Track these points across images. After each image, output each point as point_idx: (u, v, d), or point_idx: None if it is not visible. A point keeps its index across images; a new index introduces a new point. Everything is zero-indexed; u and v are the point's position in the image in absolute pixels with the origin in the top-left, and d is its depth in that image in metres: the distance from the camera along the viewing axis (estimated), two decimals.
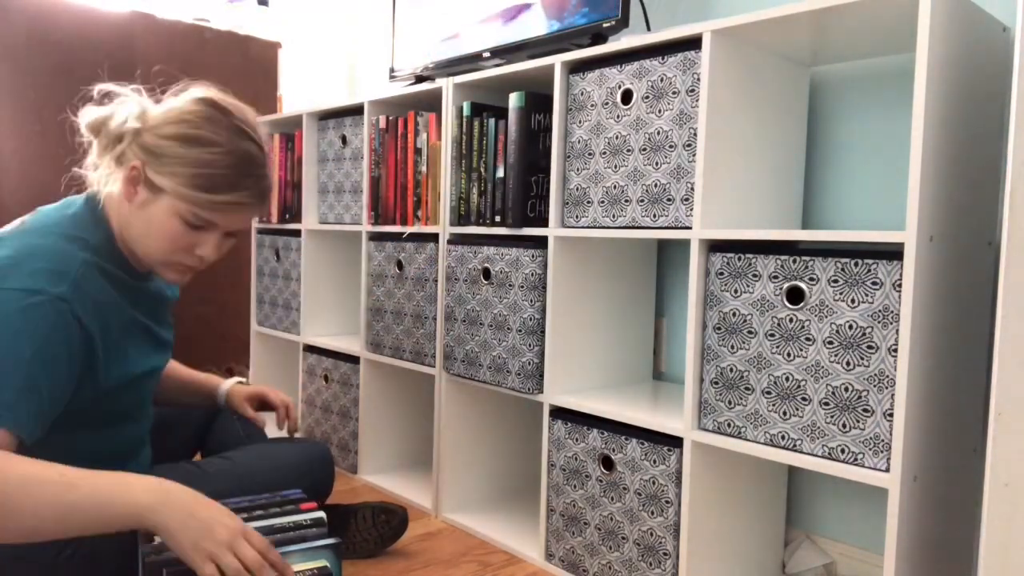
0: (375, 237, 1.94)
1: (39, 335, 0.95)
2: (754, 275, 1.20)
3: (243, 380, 1.52)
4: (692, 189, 1.28)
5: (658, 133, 1.32)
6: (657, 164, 1.33)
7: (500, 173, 1.60)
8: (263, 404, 1.50)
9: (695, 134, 1.27)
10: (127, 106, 1.10)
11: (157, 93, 1.14)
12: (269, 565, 0.93)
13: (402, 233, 1.86)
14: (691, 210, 1.28)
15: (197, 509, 0.91)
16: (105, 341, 1.06)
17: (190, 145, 1.05)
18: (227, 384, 1.48)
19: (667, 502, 1.31)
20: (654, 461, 1.33)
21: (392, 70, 2.04)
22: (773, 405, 1.18)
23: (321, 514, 1.12)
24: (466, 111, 1.66)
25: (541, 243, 1.52)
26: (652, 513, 1.33)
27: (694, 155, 1.27)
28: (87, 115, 1.11)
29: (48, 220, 1.09)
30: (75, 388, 1.02)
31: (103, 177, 1.12)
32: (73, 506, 0.86)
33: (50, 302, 0.97)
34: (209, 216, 1.07)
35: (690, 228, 1.28)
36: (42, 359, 0.95)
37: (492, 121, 1.61)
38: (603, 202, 1.41)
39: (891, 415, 1.06)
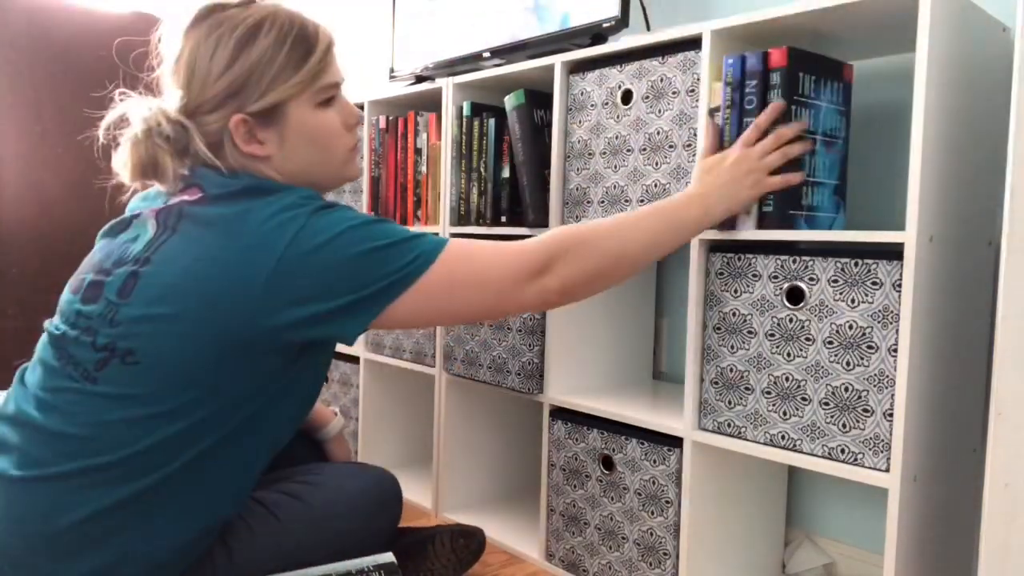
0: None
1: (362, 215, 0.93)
2: (754, 275, 1.20)
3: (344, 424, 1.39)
4: None
5: (658, 133, 1.32)
6: (657, 164, 1.33)
7: (505, 173, 1.60)
8: None
9: (695, 134, 1.27)
10: (143, 102, 0.96)
11: (148, 84, 1.01)
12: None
13: None
14: None
15: (722, 184, 1.10)
16: None
17: (251, 44, 0.94)
18: (335, 428, 1.37)
19: (667, 502, 1.31)
20: (654, 461, 1.33)
21: (392, 70, 2.04)
22: (773, 405, 1.18)
23: None
24: (466, 111, 1.66)
25: None
26: (652, 513, 1.33)
27: (694, 155, 1.27)
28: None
29: (233, 194, 0.94)
30: None
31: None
32: (656, 236, 1.04)
33: (331, 205, 0.93)
34: (330, 78, 0.99)
35: None
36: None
37: (492, 121, 1.61)
38: (603, 202, 1.41)
39: (891, 415, 1.06)
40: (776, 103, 1.10)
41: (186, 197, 0.94)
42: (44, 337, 0.98)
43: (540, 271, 0.96)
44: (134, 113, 0.96)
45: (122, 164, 0.96)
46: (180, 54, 0.97)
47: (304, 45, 0.97)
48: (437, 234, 0.96)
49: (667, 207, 1.07)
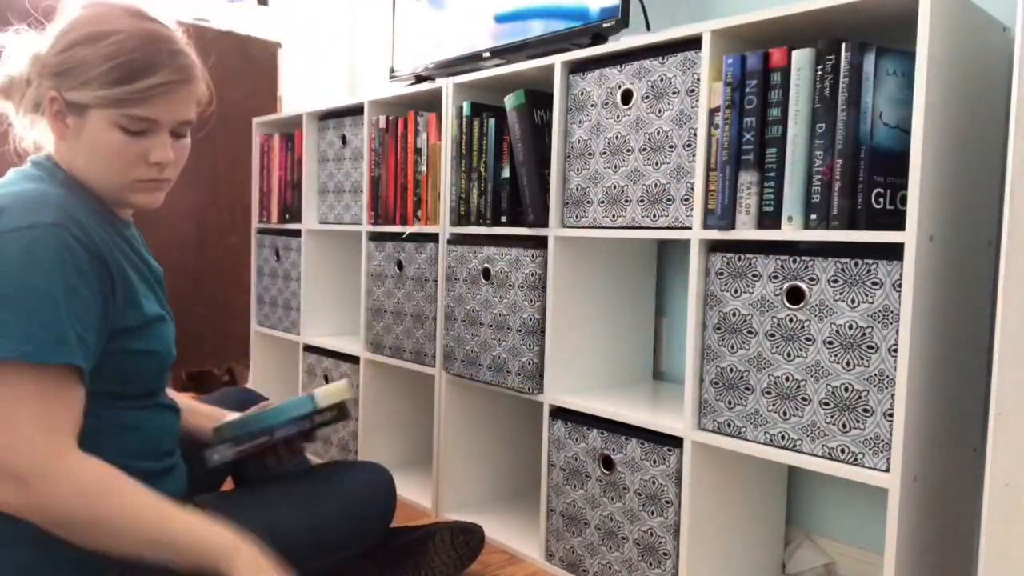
0: (375, 237, 1.94)
1: (49, 265, 0.88)
2: (754, 275, 1.20)
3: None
4: (692, 189, 1.28)
5: (658, 133, 1.32)
6: (657, 164, 1.33)
7: (505, 173, 1.60)
8: None
9: (695, 134, 1.27)
10: (16, 46, 1.01)
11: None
12: None
13: (402, 233, 1.86)
14: (691, 210, 1.28)
15: (265, 567, 0.94)
16: (112, 266, 0.97)
17: (91, 43, 0.96)
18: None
19: (667, 502, 1.31)
20: (654, 461, 1.33)
21: (392, 70, 2.04)
22: (773, 405, 1.18)
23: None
24: (466, 111, 1.66)
25: (541, 243, 1.52)
26: (652, 513, 1.33)
27: (694, 155, 1.27)
28: None
29: (8, 177, 1.00)
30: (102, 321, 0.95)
31: (34, 135, 1.03)
32: (162, 536, 0.91)
33: (46, 230, 0.89)
34: (141, 111, 0.97)
35: (690, 228, 1.28)
36: (62, 289, 0.89)
37: (492, 121, 1.61)
38: (603, 202, 1.41)
39: (891, 415, 1.06)
40: None
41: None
42: None
43: (19, 481, 0.86)
44: (14, 37, 1.02)
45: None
46: (67, 18, 1.01)
47: (129, 72, 0.96)
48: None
49: (190, 524, 0.93)
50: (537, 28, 1.62)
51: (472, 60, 1.77)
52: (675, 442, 1.30)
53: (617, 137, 1.39)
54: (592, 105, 1.43)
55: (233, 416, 1.25)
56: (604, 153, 1.41)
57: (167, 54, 0.99)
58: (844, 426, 1.10)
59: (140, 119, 0.98)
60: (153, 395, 1.08)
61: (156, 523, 0.91)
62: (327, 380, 2.13)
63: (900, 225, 1.06)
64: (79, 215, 0.95)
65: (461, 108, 1.67)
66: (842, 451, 1.11)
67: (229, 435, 1.17)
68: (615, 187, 1.39)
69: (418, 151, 1.81)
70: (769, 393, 1.18)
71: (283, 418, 1.19)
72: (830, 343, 1.11)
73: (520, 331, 1.54)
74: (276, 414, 1.20)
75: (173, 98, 0.99)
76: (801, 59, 1.13)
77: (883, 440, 1.07)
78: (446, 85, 1.71)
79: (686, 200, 1.29)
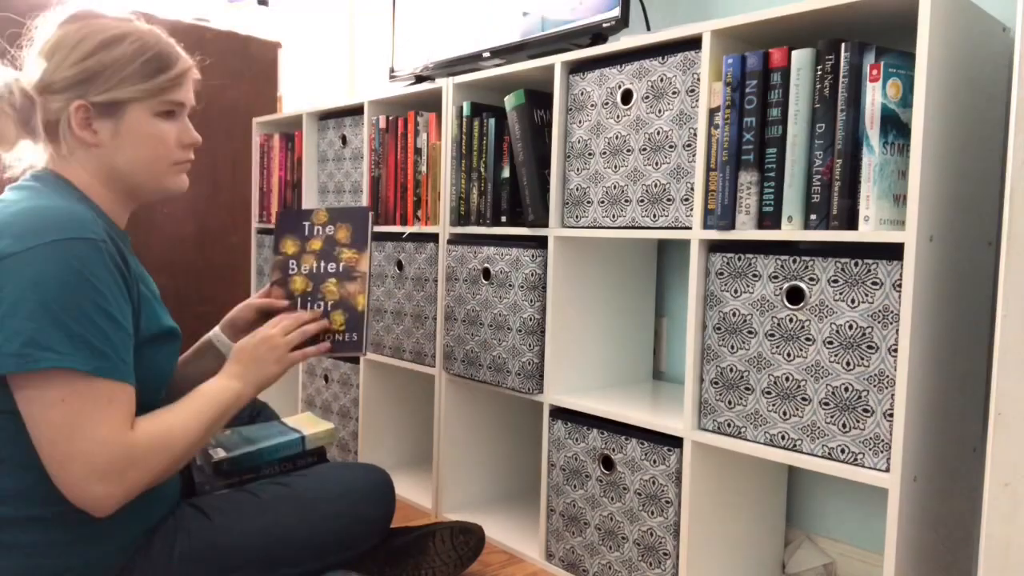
0: (375, 237, 1.94)
1: (96, 276, 0.92)
2: (754, 275, 1.20)
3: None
4: (692, 189, 1.28)
5: (658, 133, 1.32)
6: (657, 164, 1.33)
7: (505, 173, 1.60)
8: (267, 313, 1.31)
9: (695, 134, 1.27)
10: (4, 71, 1.03)
11: (13, 51, 1.06)
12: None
13: (402, 233, 1.86)
14: (691, 210, 1.28)
15: (251, 362, 1.14)
16: (138, 280, 1.01)
17: (113, 46, 1.00)
18: (216, 329, 1.32)
19: (667, 502, 1.31)
20: (654, 461, 1.33)
21: (392, 70, 2.04)
22: (773, 405, 1.18)
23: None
24: (466, 111, 1.66)
25: (541, 243, 1.52)
26: (652, 513, 1.33)
27: (694, 155, 1.27)
28: None
29: (19, 193, 0.99)
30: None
31: (38, 154, 1.04)
32: (219, 418, 1.07)
33: (90, 245, 0.92)
34: (176, 96, 1.05)
35: (690, 228, 1.28)
36: (111, 305, 0.93)
37: (492, 121, 1.61)
38: (603, 202, 1.41)
39: (891, 415, 1.06)
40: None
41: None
42: None
43: (114, 475, 0.91)
44: None
45: None
46: (48, 39, 1.03)
47: (160, 63, 1.04)
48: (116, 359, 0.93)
49: (212, 395, 1.08)
50: (537, 28, 1.62)
51: (472, 60, 1.77)
52: (675, 442, 1.30)
53: (617, 137, 1.39)
54: (592, 105, 1.43)
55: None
56: (604, 153, 1.41)
57: (171, 46, 1.07)
58: (844, 426, 1.10)
59: (175, 103, 1.06)
60: (155, 406, 1.08)
61: (209, 414, 1.04)
62: (326, 380, 2.13)
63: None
64: (104, 230, 0.97)
65: (461, 108, 1.67)
66: (842, 451, 1.11)
67: (225, 469, 1.25)
68: (615, 187, 1.39)
69: (418, 151, 1.81)
70: (769, 393, 1.18)
71: (271, 458, 1.28)
72: (830, 343, 1.11)
73: (520, 331, 1.54)
74: (267, 453, 1.28)
75: (190, 83, 1.09)
76: (801, 59, 1.13)
77: (883, 440, 1.07)
78: (446, 85, 1.71)
79: (686, 200, 1.29)
